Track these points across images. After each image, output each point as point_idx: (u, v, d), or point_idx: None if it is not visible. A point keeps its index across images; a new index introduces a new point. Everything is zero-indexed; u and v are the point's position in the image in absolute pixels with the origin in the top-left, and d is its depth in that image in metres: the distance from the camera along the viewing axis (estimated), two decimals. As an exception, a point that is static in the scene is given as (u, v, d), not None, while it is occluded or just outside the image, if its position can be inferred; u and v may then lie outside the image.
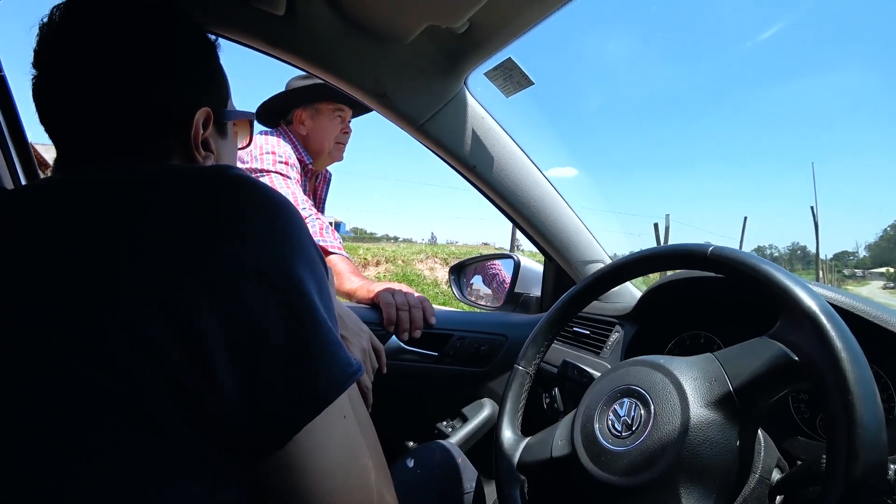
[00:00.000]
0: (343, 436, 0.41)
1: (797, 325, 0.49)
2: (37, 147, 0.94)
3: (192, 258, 0.37)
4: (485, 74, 0.83)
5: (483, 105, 0.89)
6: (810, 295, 0.49)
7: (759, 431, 0.57)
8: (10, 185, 0.87)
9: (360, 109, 1.52)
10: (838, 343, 0.44)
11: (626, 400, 0.58)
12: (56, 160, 0.51)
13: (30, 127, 0.89)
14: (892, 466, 0.45)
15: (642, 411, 0.56)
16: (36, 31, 0.49)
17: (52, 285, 0.36)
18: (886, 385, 0.63)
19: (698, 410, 0.51)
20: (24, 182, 0.90)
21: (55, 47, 0.49)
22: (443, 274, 8.48)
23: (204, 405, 0.36)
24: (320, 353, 0.39)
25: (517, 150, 0.94)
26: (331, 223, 1.50)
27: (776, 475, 0.56)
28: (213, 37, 0.59)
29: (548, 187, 0.99)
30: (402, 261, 8.35)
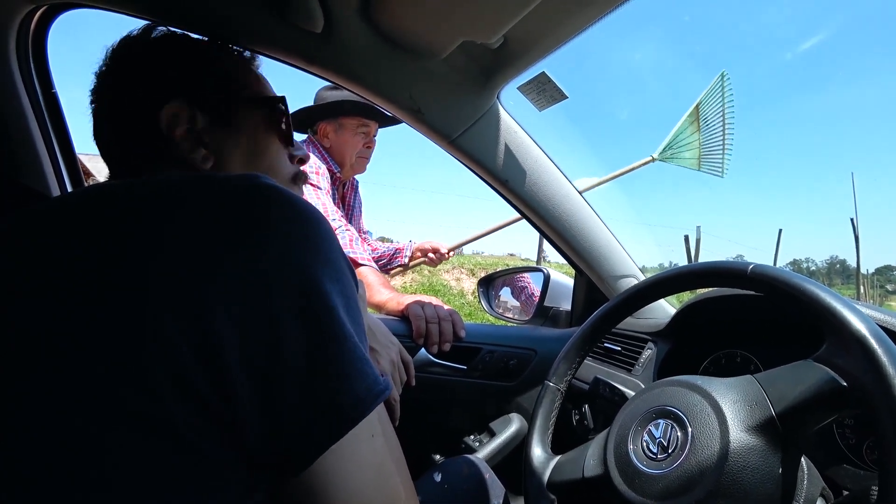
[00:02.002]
0: (371, 456, 0.40)
1: (845, 348, 0.47)
2: (81, 157, 0.99)
3: (211, 265, 0.36)
4: (518, 88, 0.83)
5: (515, 119, 0.90)
6: (859, 317, 0.47)
7: (802, 458, 0.55)
8: (57, 194, 0.91)
9: (386, 122, 1.54)
10: (891, 369, 0.43)
11: (661, 421, 0.57)
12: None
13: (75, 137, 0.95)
14: None
15: (679, 433, 0.54)
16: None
17: (52, 285, 0.37)
18: None
19: (738, 435, 0.50)
20: (69, 190, 0.94)
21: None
22: (469, 285, 8.45)
23: (220, 416, 0.35)
24: (344, 370, 0.38)
25: (549, 164, 0.94)
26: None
27: (820, 505, 0.54)
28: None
29: (580, 201, 0.98)
30: (429, 271, 8.36)
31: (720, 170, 1.78)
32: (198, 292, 0.35)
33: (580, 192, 0.97)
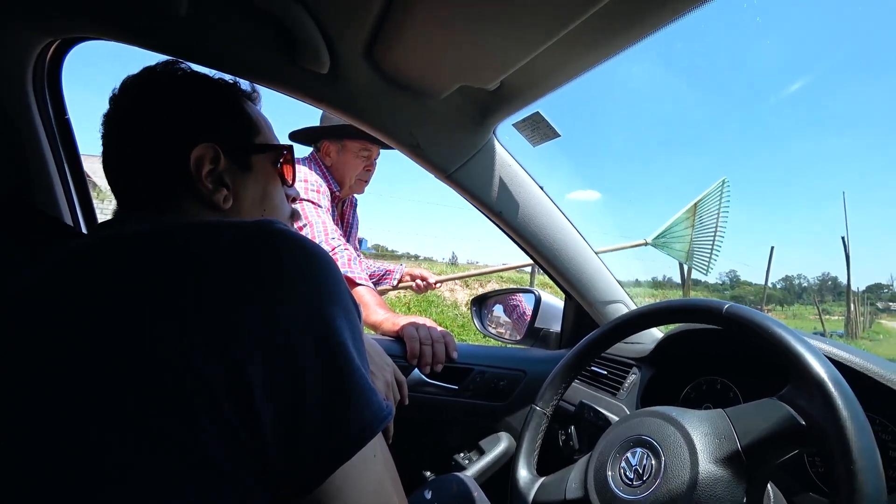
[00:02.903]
0: (373, 475, 0.44)
1: (806, 390, 0.51)
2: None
3: (234, 309, 0.39)
4: (513, 125, 0.87)
5: (510, 152, 0.94)
6: (820, 362, 0.51)
7: (770, 485, 0.59)
8: (69, 219, 0.94)
9: (388, 146, 1.58)
10: (845, 412, 0.47)
11: (638, 449, 0.61)
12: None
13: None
14: None
15: (653, 462, 0.58)
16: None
17: (53, 285, 0.39)
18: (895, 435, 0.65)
19: (707, 466, 0.54)
20: (81, 217, 0.97)
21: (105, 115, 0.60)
22: (462, 296, 8.48)
23: (236, 429, 0.38)
24: (355, 401, 0.42)
25: (541, 196, 0.98)
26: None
27: (784, 531, 0.57)
28: (233, 78, 0.65)
29: (571, 231, 1.02)
30: (423, 281, 8.41)
31: (705, 268, 1.96)
32: (220, 339, 0.38)
33: (571, 222, 1.01)
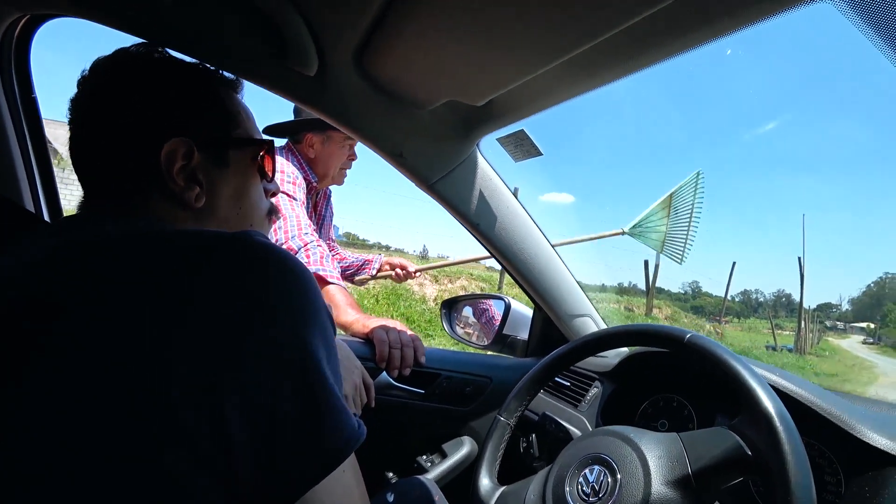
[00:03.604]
0: (343, 487, 0.45)
1: (755, 423, 0.54)
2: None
3: (214, 330, 0.39)
4: (497, 140, 0.89)
5: (492, 165, 0.95)
6: (769, 397, 0.55)
7: (717, 507, 0.62)
8: (29, 202, 0.90)
9: None
10: (787, 447, 0.50)
11: (596, 467, 0.63)
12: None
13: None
14: None
15: (609, 480, 0.61)
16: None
17: (53, 283, 0.39)
18: (831, 460, 0.69)
19: (659, 487, 0.57)
20: (42, 198, 0.93)
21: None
22: (431, 291, 8.50)
23: (212, 460, 0.38)
24: (329, 423, 0.42)
25: (519, 210, 1.00)
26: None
27: (727, 552, 0.61)
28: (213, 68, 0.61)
29: (545, 245, 1.04)
30: (395, 275, 8.41)
31: (679, 258, 2.02)
32: (194, 354, 0.38)
33: (546, 238, 1.04)
